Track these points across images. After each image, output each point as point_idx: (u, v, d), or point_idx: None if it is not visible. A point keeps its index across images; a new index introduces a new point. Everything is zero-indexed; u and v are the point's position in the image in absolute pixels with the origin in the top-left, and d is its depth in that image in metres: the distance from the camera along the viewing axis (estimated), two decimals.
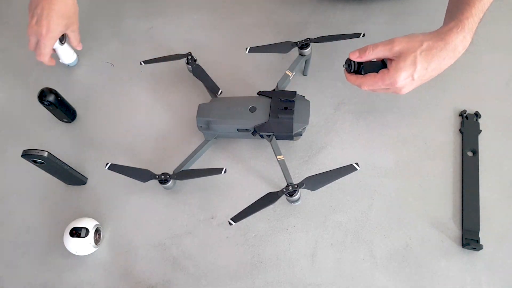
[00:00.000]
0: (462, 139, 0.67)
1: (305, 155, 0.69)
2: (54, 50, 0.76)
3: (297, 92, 0.67)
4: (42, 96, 0.69)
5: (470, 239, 0.60)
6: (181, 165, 0.67)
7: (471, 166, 0.65)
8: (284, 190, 0.60)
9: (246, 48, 0.72)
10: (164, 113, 0.76)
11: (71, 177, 0.67)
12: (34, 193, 0.71)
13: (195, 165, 0.69)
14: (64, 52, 0.79)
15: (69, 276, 0.64)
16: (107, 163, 0.65)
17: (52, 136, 0.75)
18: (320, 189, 0.65)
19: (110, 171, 0.65)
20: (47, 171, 0.65)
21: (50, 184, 0.70)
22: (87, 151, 0.73)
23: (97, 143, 0.74)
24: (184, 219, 0.66)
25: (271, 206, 0.65)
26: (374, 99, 0.72)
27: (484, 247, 0.59)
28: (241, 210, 0.59)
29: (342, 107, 0.72)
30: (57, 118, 0.75)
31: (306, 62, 0.73)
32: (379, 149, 0.68)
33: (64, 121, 0.76)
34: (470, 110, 0.69)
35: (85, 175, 0.70)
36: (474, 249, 0.59)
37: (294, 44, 0.70)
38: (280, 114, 0.64)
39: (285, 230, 0.64)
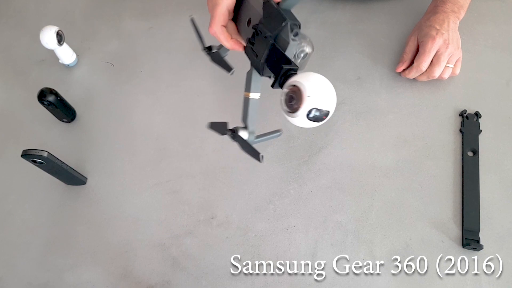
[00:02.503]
0: (463, 139, 0.67)
1: (305, 155, 0.69)
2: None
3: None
4: (42, 96, 0.69)
5: (470, 239, 0.60)
6: None
7: (471, 166, 0.65)
8: (231, 129, 0.54)
9: None
10: (164, 113, 0.76)
11: (71, 177, 0.67)
12: (34, 193, 0.70)
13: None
14: (63, 52, 0.79)
15: (69, 276, 0.64)
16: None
17: (52, 136, 0.75)
18: (320, 189, 0.65)
19: (109, 171, 0.65)
20: (46, 171, 0.65)
21: (50, 184, 0.70)
22: (87, 151, 0.73)
23: (97, 143, 0.74)
24: (184, 219, 0.66)
25: (271, 206, 0.65)
26: (374, 99, 0.72)
27: (484, 247, 0.59)
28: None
29: (342, 107, 0.72)
30: (56, 118, 0.75)
31: None
32: (379, 149, 0.68)
33: (64, 121, 0.76)
34: (471, 110, 0.69)
35: (84, 175, 0.70)
36: (474, 249, 0.59)
37: None
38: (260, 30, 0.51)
39: (285, 230, 0.64)
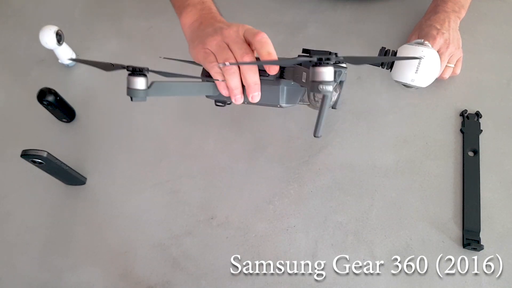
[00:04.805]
0: (463, 139, 0.67)
1: (305, 155, 0.68)
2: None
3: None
4: (41, 96, 0.68)
5: (470, 239, 0.59)
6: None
7: (472, 166, 0.64)
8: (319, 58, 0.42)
9: None
10: (164, 113, 0.75)
11: (70, 177, 0.67)
12: (34, 193, 0.70)
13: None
14: (63, 52, 0.78)
15: (69, 276, 0.64)
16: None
17: (51, 136, 0.75)
18: (320, 189, 0.65)
19: (109, 171, 0.65)
20: (46, 171, 0.64)
21: (50, 184, 0.70)
22: (86, 151, 0.73)
23: (97, 143, 0.74)
24: (184, 219, 0.66)
25: (271, 206, 0.65)
26: (374, 99, 0.72)
27: (484, 247, 0.59)
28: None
29: (342, 107, 0.72)
30: (56, 118, 0.75)
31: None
32: (380, 149, 0.68)
33: (63, 121, 0.75)
34: (471, 110, 0.69)
35: (84, 175, 0.70)
36: (475, 249, 0.59)
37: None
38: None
39: (285, 230, 0.64)
